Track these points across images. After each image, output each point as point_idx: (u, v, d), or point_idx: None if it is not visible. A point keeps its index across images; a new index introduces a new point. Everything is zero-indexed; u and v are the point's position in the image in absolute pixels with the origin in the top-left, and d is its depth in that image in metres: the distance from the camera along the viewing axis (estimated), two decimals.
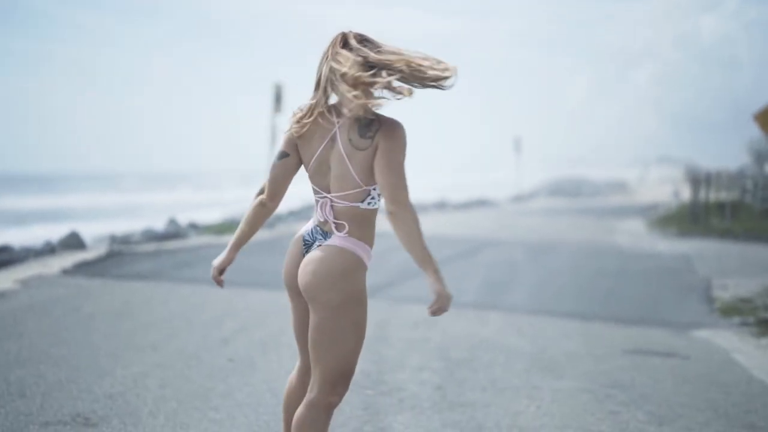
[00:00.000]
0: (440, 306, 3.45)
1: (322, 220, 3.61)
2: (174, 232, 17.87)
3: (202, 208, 36.83)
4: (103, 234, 18.27)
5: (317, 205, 3.64)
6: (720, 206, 27.07)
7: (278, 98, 22.25)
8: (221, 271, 3.86)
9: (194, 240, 17.05)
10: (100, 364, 6.42)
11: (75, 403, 5.41)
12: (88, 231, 18.66)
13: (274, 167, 3.66)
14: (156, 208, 39.59)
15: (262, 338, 7.73)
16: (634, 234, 23.47)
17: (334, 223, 3.57)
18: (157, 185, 77.04)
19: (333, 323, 3.49)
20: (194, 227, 19.84)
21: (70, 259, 12.56)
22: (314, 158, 3.57)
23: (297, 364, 3.86)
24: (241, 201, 39.67)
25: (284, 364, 6.80)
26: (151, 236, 17.11)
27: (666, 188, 57.67)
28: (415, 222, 3.47)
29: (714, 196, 28.34)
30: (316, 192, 3.65)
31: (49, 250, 13.40)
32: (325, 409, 3.55)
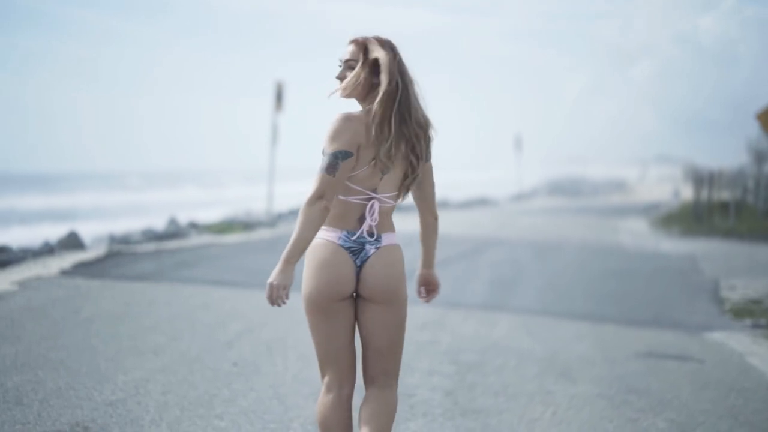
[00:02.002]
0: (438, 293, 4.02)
1: (367, 221, 3.62)
2: (174, 232, 17.65)
3: (202, 207, 36.60)
4: (103, 234, 18.05)
5: (354, 206, 3.60)
6: (723, 206, 26.85)
7: (279, 96, 22.05)
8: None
9: (195, 240, 16.84)
10: (101, 369, 6.21)
11: (74, 411, 5.20)
12: (88, 231, 18.45)
13: (337, 168, 3.49)
14: (156, 207, 39.31)
15: (267, 341, 7.53)
16: (637, 234, 23.28)
17: (373, 223, 3.64)
18: (157, 184, 76.76)
19: (404, 317, 3.78)
20: (195, 227, 19.63)
21: (69, 259, 12.34)
22: (374, 161, 3.59)
23: (327, 382, 3.70)
24: (243, 200, 39.43)
25: (290, 368, 6.59)
26: (151, 236, 16.89)
27: (665, 187, 57.47)
28: None
29: (715, 195, 28.14)
30: (358, 193, 3.59)
31: (47, 250, 13.18)
32: None
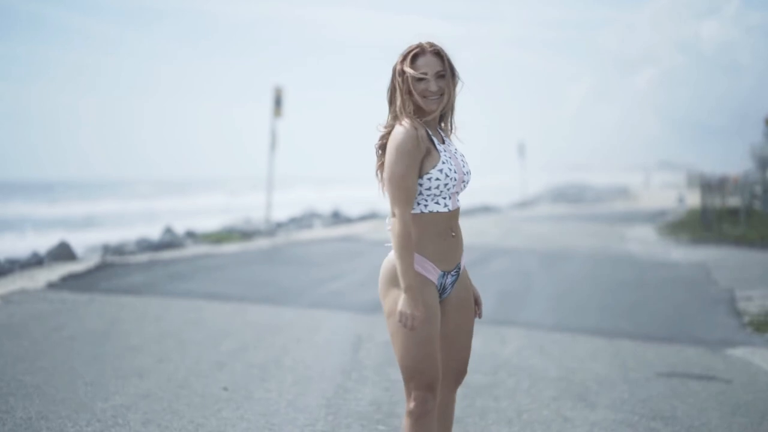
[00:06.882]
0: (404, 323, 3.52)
1: None
2: (170, 242, 17.13)
3: (200, 215, 36.07)
4: (97, 243, 17.53)
5: None
6: (731, 212, 26.29)
7: (278, 102, 21.55)
8: None
9: (191, 249, 16.32)
10: (78, 396, 5.69)
11: None
12: (82, 240, 17.97)
13: None
14: (153, 216, 38.79)
15: (261, 361, 7.00)
16: (645, 241, 22.73)
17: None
18: (156, 192, 76.25)
19: (392, 331, 3.70)
20: (191, 236, 19.11)
21: (57, 271, 11.82)
22: None
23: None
24: (243, 207, 38.89)
25: (285, 393, 6.07)
26: (146, 246, 16.37)
27: (669, 194, 56.93)
28: (395, 237, 3.51)
29: (723, 201, 27.57)
30: None
31: (36, 261, 12.66)
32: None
